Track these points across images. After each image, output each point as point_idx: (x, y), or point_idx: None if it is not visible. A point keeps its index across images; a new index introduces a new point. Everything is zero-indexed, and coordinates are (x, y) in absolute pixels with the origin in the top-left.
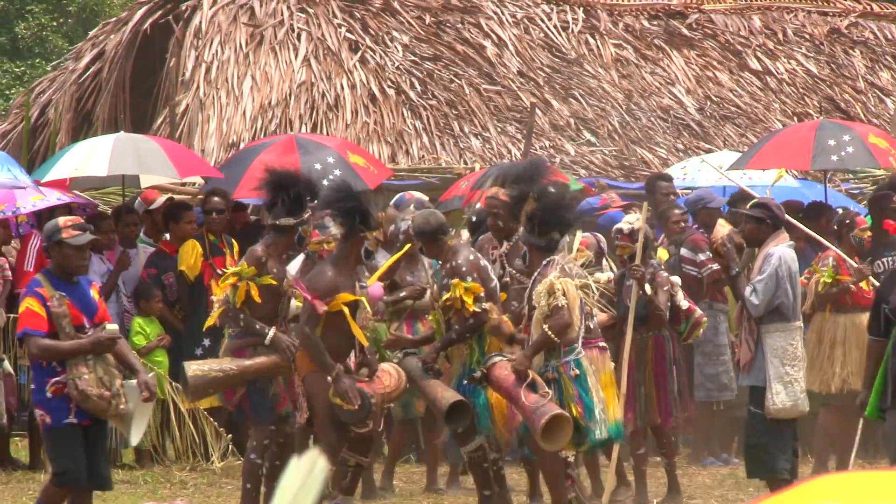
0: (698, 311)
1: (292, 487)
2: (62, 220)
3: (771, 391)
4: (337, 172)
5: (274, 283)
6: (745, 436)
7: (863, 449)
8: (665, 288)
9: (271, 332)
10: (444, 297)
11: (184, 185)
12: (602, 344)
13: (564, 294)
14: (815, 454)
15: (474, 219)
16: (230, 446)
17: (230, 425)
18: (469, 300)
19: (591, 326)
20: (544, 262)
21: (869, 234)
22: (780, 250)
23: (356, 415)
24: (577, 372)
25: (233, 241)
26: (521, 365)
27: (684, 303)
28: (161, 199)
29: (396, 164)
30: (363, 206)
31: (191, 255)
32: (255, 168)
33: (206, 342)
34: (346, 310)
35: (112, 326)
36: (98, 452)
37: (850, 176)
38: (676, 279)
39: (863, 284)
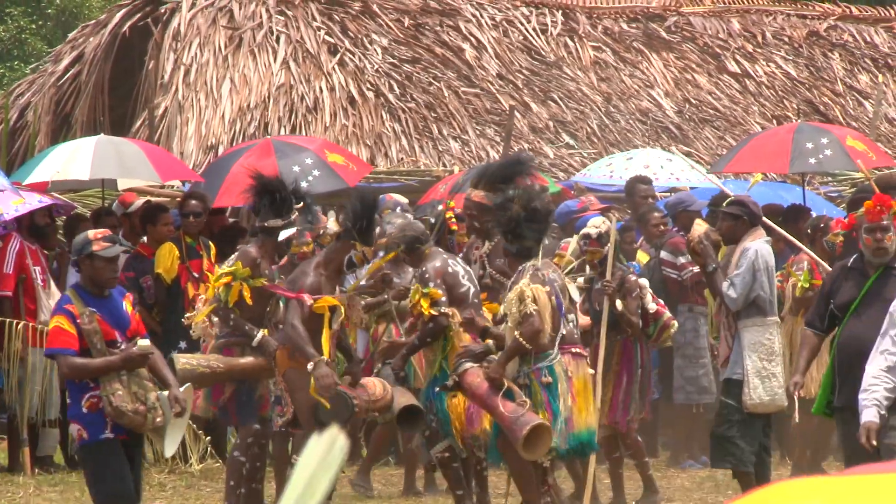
0: (667, 314)
1: (310, 466)
2: (92, 233)
3: (748, 385)
4: (316, 173)
5: (266, 284)
6: (713, 425)
7: (839, 451)
8: (634, 293)
9: (259, 334)
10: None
11: (162, 187)
12: (576, 350)
13: (535, 301)
14: (794, 458)
15: (433, 221)
16: (209, 449)
17: (209, 428)
18: (425, 304)
19: (565, 332)
20: (519, 269)
21: (842, 238)
22: (757, 245)
23: (337, 414)
24: (550, 379)
25: (210, 243)
26: (496, 373)
27: (652, 305)
28: (139, 201)
29: (375, 167)
30: (369, 219)
31: (167, 258)
32: (234, 175)
33: (183, 344)
34: (327, 314)
35: (144, 341)
36: (135, 467)
37: (829, 179)
38: (644, 281)
39: None
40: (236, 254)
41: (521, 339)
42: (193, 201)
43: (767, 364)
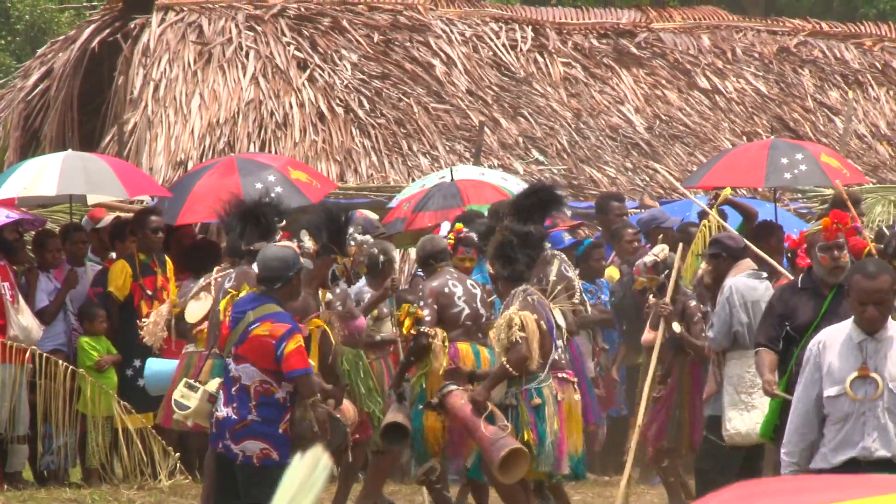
0: None
1: (294, 485)
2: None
3: (725, 417)
4: (279, 189)
5: None
6: (695, 459)
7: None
8: (696, 318)
9: None
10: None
11: (132, 203)
12: (562, 375)
13: (522, 328)
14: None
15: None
16: (178, 465)
17: (179, 444)
18: (408, 323)
19: (556, 357)
20: (511, 293)
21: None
22: (733, 281)
23: (331, 443)
24: (539, 400)
25: (166, 259)
26: (480, 396)
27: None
28: (108, 217)
29: (345, 183)
30: (342, 230)
31: (119, 276)
32: (196, 192)
33: (137, 363)
34: (316, 334)
35: None
36: None
37: (799, 195)
38: (706, 308)
39: None
40: (235, 274)
41: (507, 366)
42: (155, 217)
43: (746, 397)
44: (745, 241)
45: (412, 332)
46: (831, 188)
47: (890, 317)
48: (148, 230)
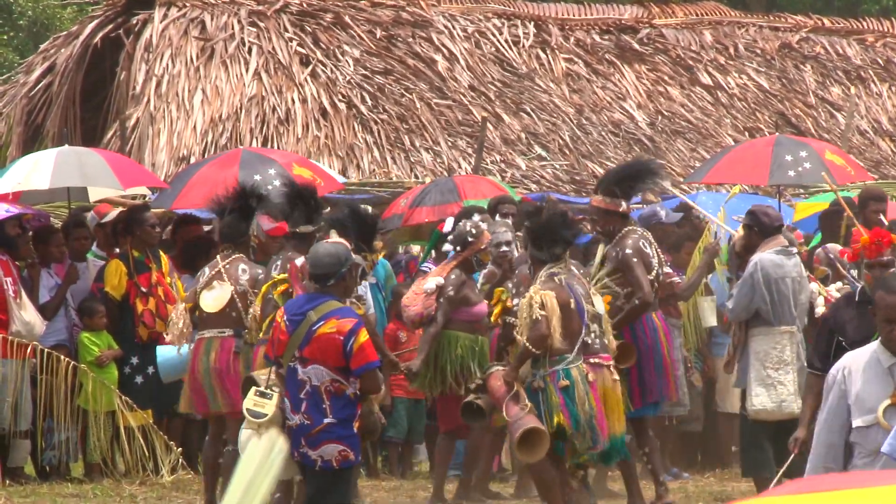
0: None
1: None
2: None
3: (751, 392)
4: (276, 183)
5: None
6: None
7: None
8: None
9: None
10: None
11: (134, 198)
12: (594, 360)
13: (542, 306)
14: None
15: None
16: (180, 460)
17: (181, 439)
18: (497, 310)
19: (589, 341)
20: (538, 274)
21: (805, 249)
22: (760, 256)
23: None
24: (567, 382)
25: (161, 255)
26: (509, 377)
27: (819, 310)
28: (113, 212)
29: (347, 178)
30: (371, 228)
31: (114, 275)
32: (195, 180)
33: (134, 360)
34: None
35: None
36: None
37: (802, 191)
38: (815, 286)
39: None
40: (279, 263)
41: (527, 344)
42: (150, 212)
43: (773, 372)
44: (781, 220)
45: (499, 320)
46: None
47: None
48: (146, 226)
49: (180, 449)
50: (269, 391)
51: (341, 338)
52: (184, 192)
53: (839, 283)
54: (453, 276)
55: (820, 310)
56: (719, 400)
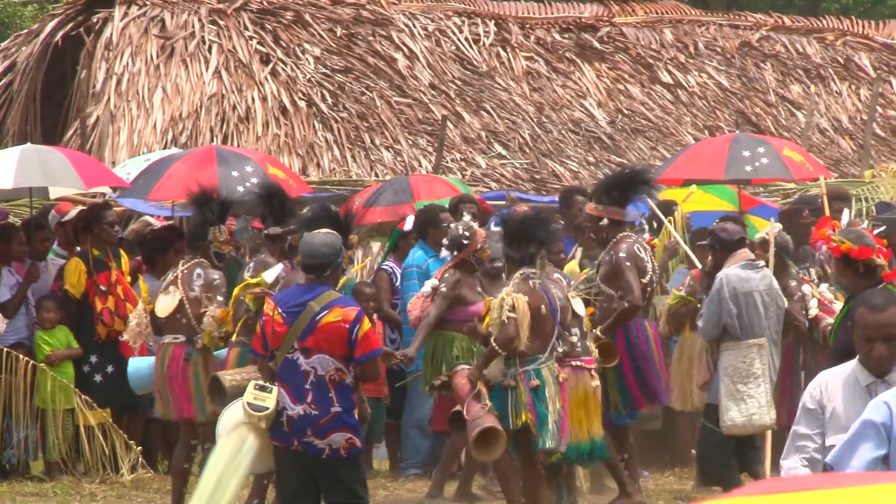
0: (825, 321)
1: (219, 464)
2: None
3: (721, 408)
4: (254, 181)
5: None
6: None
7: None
8: (796, 297)
9: None
10: None
11: (94, 196)
12: (577, 363)
13: (513, 308)
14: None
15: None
16: (140, 459)
17: (141, 438)
18: (488, 319)
19: (567, 348)
20: (512, 276)
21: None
22: (726, 271)
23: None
24: (537, 382)
25: (121, 253)
26: (473, 376)
27: (813, 311)
28: (74, 211)
29: (307, 177)
30: (347, 224)
31: (73, 274)
32: (172, 173)
33: (94, 359)
34: None
35: None
36: None
37: (761, 189)
38: (807, 289)
39: None
40: (253, 264)
41: (494, 345)
42: (110, 211)
43: (742, 386)
44: (741, 233)
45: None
46: (794, 183)
47: None
48: (104, 224)
49: (140, 448)
50: (268, 385)
51: (347, 326)
52: (160, 183)
53: (826, 284)
54: (447, 275)
55: (813, 312)
56: (677, 399)
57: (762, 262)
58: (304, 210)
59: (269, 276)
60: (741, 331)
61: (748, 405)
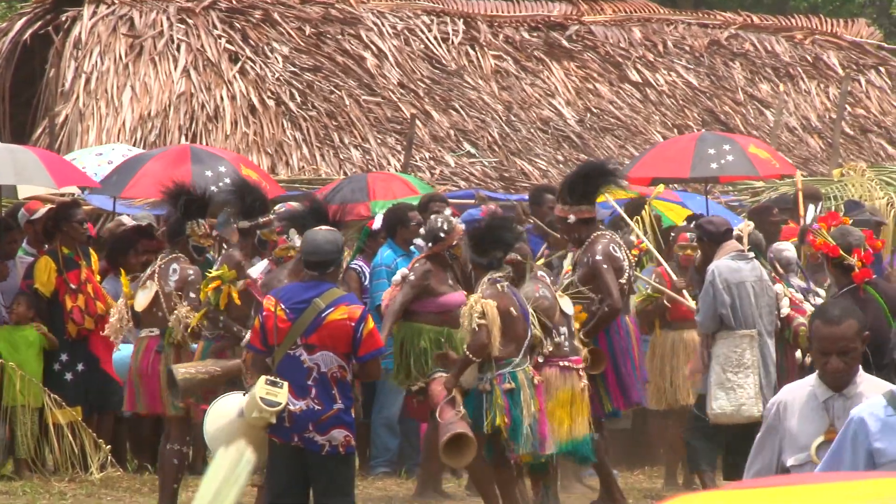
0: (797, 320)
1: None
2: None
3: (710, 396)
4: (228, 181)
5: (249, 283)
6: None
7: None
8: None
9: (248, 335)
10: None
11: (63, 195)
12: (564, 363)
13: (483, 315)
14: (665, 467)
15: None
16: (109, 458)
17: (111, 436)
18: None
19: (552, 348)
20: (480, 281)
21: (689, 251)
22: (717, 263)
23: None
24: (512, 385)
25: (90, 251)
26: (448, 383)
27: (785, 310)
28: (43, 209)
29: (276, 175)
30: (328, 220)
31: (43, 273)
32: (147, 170)
33: (64, 357)
34: None
35: None
36: None
37: (730, 188)
38: (779, 288)
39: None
40: (221, 258)
41: (467, 353)
42: (79, 209)
43: (732, 376)
44: (728, 225)
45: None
46: (762, 181)
47: (860, 369)
48: (74, 222)
49: (109, 446)
50: (278, 380)
51: (352, 324)
52: (135, 180)
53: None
54: (417, 265)
55: (785, 311)
56: (651, 398)
57: (752, 254)
58: (277, 206)
59: (254, 272)
60: (734, 321)
61: (737, 395)
